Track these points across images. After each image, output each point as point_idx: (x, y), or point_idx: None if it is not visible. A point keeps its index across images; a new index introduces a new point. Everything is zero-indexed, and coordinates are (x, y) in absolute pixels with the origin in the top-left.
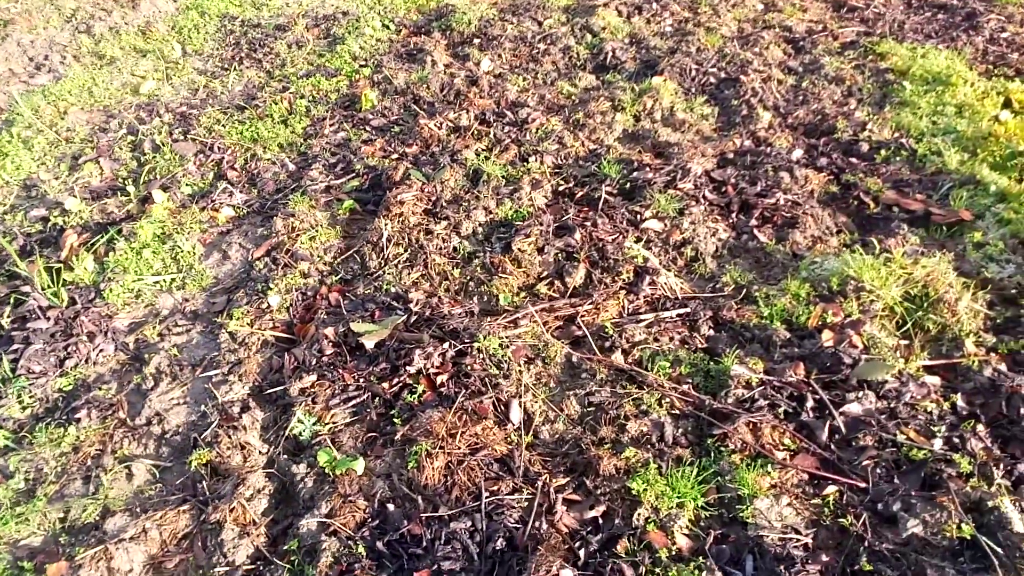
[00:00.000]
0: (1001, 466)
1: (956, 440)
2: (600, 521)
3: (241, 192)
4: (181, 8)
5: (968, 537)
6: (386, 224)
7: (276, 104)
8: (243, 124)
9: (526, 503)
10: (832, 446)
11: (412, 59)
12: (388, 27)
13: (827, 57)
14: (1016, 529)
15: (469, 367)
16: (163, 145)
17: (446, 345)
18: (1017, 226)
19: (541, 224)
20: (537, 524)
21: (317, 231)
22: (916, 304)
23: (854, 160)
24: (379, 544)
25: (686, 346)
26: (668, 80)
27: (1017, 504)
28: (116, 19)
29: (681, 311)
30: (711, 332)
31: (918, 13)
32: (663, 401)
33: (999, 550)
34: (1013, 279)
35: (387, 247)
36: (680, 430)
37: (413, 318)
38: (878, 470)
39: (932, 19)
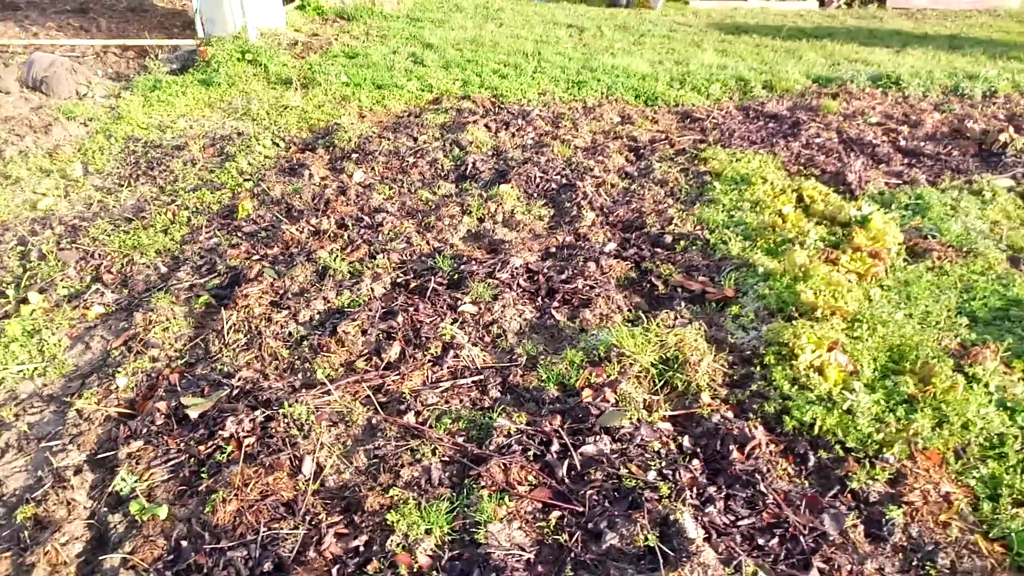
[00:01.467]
0: (695, 489)
1: (668, 472)
2: (361, 548)
3: (113, 292)
4: (91, 132)
5: (652, 544)
6: (230, 314)
7: (161, 215)
8: (127, 233)
9: (300, 536)
10: (567, 480)
11: (293, 173)
12: (278, 144)
13: (660, 163)
14: (688, 535)
15: (274, 430)
16: (49, 253)
17: (257, 412)
18: (769, 300)
19: (371, 310)
20: (305, 552)
21: (171, 323)
22: (669, 366)
23: (658, 250)
24: (168, 573)
25: (475, 406)
26: (514, 187)
27: (697, 517)
28: (28, 143)
29: (476, 378)
30: (499, 394)
31: (752, 123)
32: (436, 451)
33: (671, 553)
34: (751, 343)
35: (227, 334)
36: (447, 473)
37: (235, 391)
38: (596, 497)
39: (762, 128)
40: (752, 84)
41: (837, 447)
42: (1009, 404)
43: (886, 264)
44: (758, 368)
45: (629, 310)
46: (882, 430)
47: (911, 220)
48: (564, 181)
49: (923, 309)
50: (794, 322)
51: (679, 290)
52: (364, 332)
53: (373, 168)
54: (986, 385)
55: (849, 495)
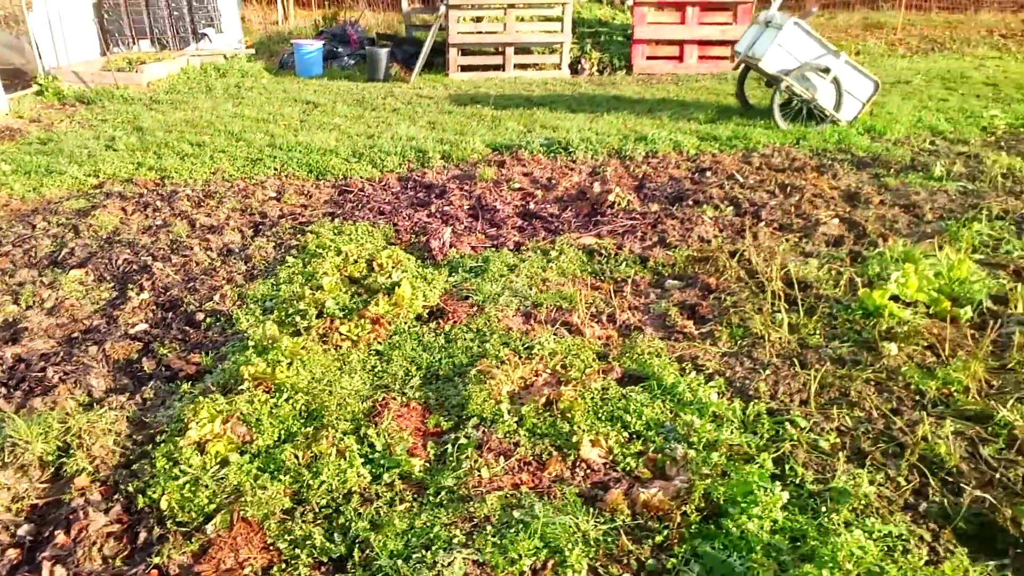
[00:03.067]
0: None
1: None
2: None
3: None
4: None
5: None
6: None
7: None
8: None
9: None
10: None
11: None
12: None
13: (267, 239)
14: None
15: None
16: None
17: None
18: (228, 374)
19: None
20: None
21: None
22: (66, 453)
23: (188, 328)
24: None
25: None
26: (89, 272)
27: None
28: None
29: None
30: None
31: (403, 193)
32: None
33: None
34: (161, 421)
35: None
36: None
37: None
38: None
39: (411, 198)
40: (431, 155)
41: (170, 522)
42: (383, 462)
43: (388, 329)
44: (151, 447)
45: (99, 395)
46: (214, 501)
47: (464, 282)
48: (148, 261)
49: (378, 370)
50: (205, 397)
51: (164, 369)
52: None
53: None
54: (371, 445)
55: (154, 571)
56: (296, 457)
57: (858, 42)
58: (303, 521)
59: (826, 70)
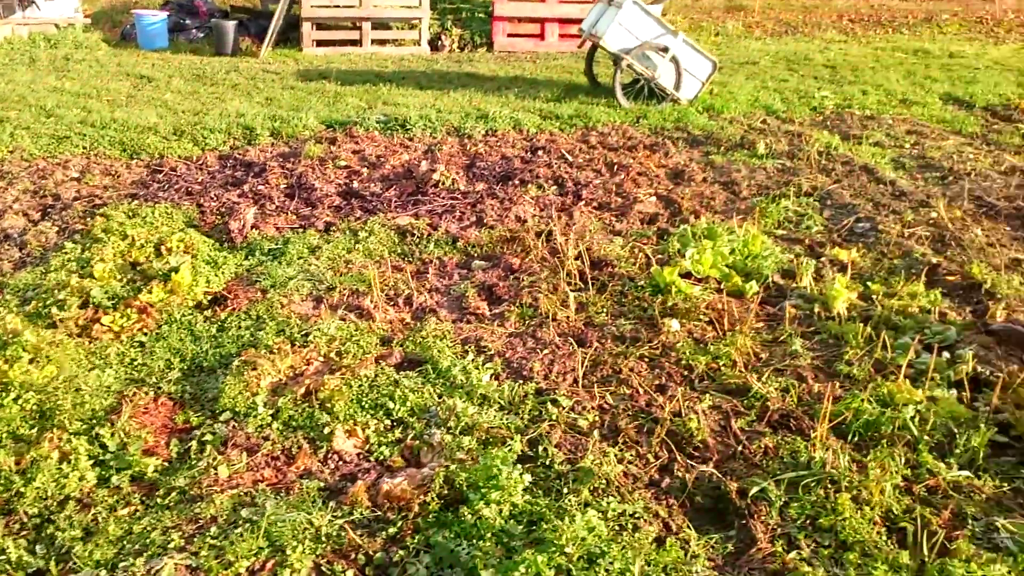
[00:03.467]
0: None
1: None
2: None
3: None
4: None
5: None
6: None
7: None
8: None
9: None
10: None
11: None
12: None
13: (53, 224)
14: None
15: None
16: None
17: None
18: None
19: None
20: None
21: None
22: None
23: None
24: None
25: None
26: None
27: None
28: None
29: None
30: None
31: (220, 173)
32: None
33: None
34: None
35: None
36: None
37: None
38: None
39: (227, 178)
40: (259, 132)
41: None
42: (114, 464)
43: (157, 319)
44: None
45: None
46: None
47: (259, 266)
48: None
49: (137, 364)
50: None
51: None
52: None
53: None
54: (104, 445)
55: None
56: (10, 463)
57: (718, 24)
58: (5, 534)
59: (665, 49)
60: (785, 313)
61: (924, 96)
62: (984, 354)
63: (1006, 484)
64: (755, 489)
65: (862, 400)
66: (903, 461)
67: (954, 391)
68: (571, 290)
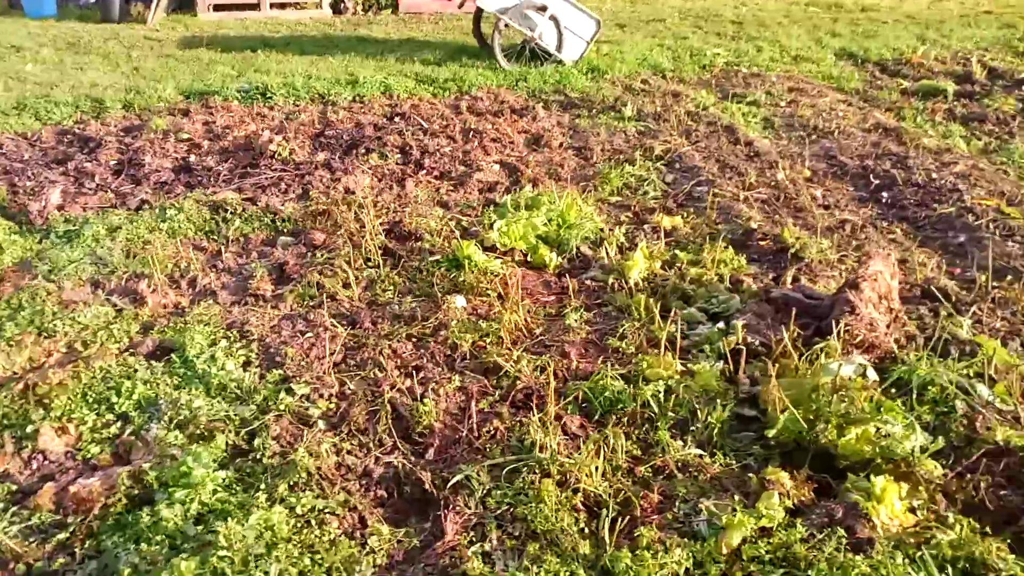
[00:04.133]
0: None
1: None
2: None
3: None
4: None
5: None
6: None
7: None
8: None
9: None
10: None
11: None
12: None
13: None
14: None
15: None
16: None
17: None
18: None
19: None
20: None
21: None
22: None
23: None
24: None
25: None
26: None
27: None
28: None
29: None
30: None
31: (54, 149)
32: None
33: None
34: None
35: None
36: None
37: None
38: None
39: (58, 154)
40: (110, 104)
41: None
42: None
43: None
44: None
45: None
46: None
47: (50, 250)
48: None
49: None
50: None
51: None
52: None
53: None
54: None
55: None
56: None
57: None
58: None
59: (543, 8)
60: (570, 286)
61: (818, 52)
62: (756, 323)
63: (736, 462)
64: (458, 477)
65: (607, 377)
66: (636, 440)
67: (721, 363)
68: (370, 266)
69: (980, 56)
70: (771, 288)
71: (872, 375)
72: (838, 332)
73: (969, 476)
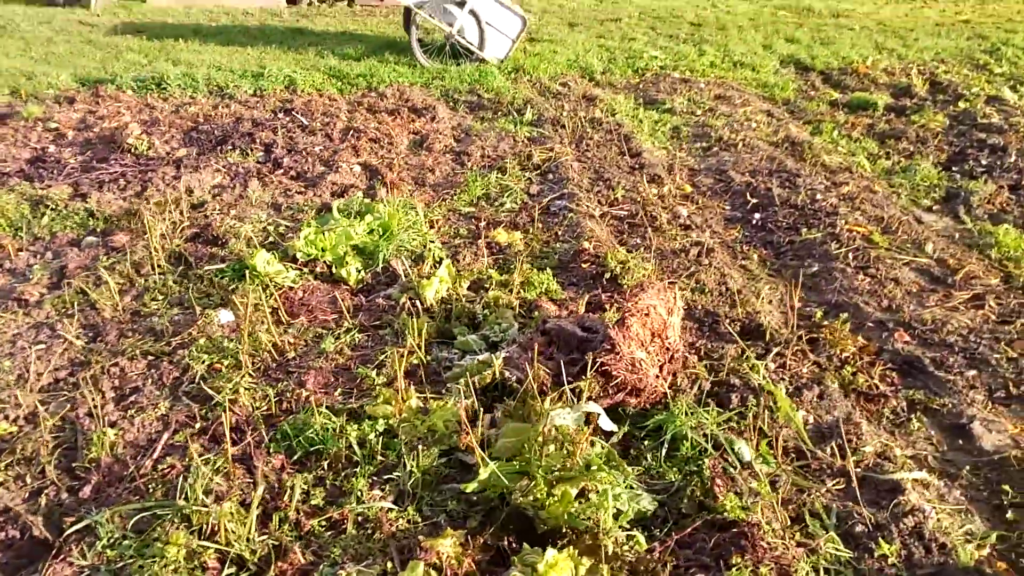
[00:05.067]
0: None
1: None
2: None
3: None
4: None
5: None
6: None
7: None
8: None
9: None
10: None
11: None
12: None
13: None
14: None
15: None
16: None
17: None
18: None
19: None
20: None
21: None
22: None
23: None
24: None
25: None
26: None
27: None
28: None
29: None
30: None
31: None
32: None
33: None
34: None
35: None
36: None
37: None
38: None
39: None
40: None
41: None
42: None
43: None
44: None
45: None
46: None
47: None
48: None
49: None
50: None
51: None
52: None
53: None
54: None
55: None
56: None
57: None
58: None
59: (461, 3)
60: (343, 306)
61: (763, 59)
62: (519, 356)
63: (423, 520)
64: (83, 523)
65: (318, 413)
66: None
67: (468, 400)
68: (159, 273)
69: (933, 68)
70: (548, 318)
71: (607, 424)
72: (595, 371)
73: (675, 552)
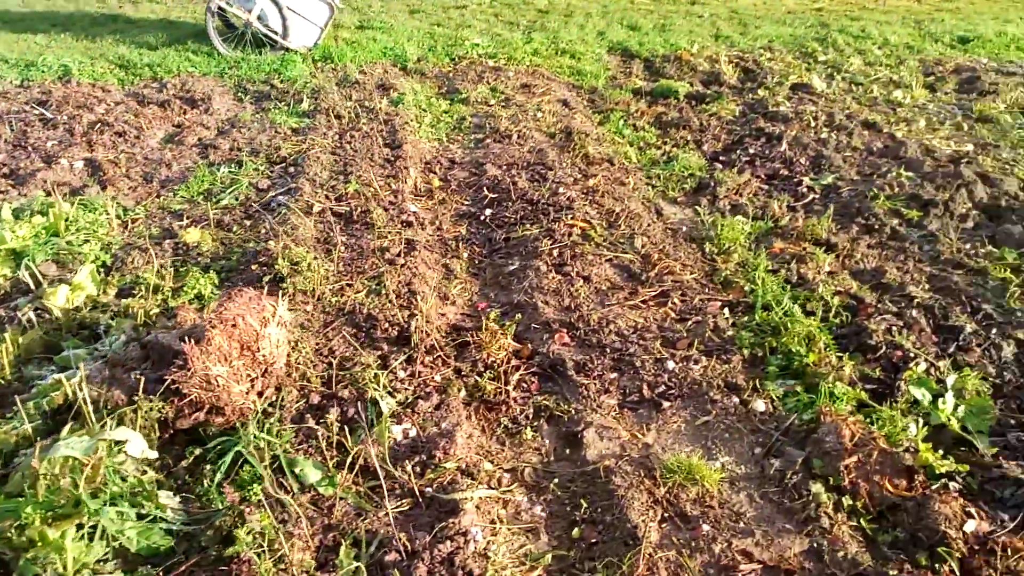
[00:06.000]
0: None
1: None
2: None
3: None
4: None
5: None
6: None
7: None
8: None
9: None
10: None
11: None
12: None
13: None
14: None
15: None
16: None
17: None
18: None
19: None
20: None
21: None
22: None
23: None
24: None
25: None
26: None
27: None
28: None
29: None
30: None
31: None
32: None
33: None
34: None
35: None
36: None
37: None
38: None
39: None
40: None
41: None
42: None
43: None
44: None
45: None
46: None
47: None
48: None
49: None
50: None
51: None
52: None
53: None
54: None
55: None
56: None
57: None
58: None
59: None
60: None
61: (591, 46)
62: (108, 373)
63: None
64: None
65: None
66: None
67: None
68: None
69: (757, 56)
70: (160, 331)
71: (135, 450)
72: (169, 388)
73: None
